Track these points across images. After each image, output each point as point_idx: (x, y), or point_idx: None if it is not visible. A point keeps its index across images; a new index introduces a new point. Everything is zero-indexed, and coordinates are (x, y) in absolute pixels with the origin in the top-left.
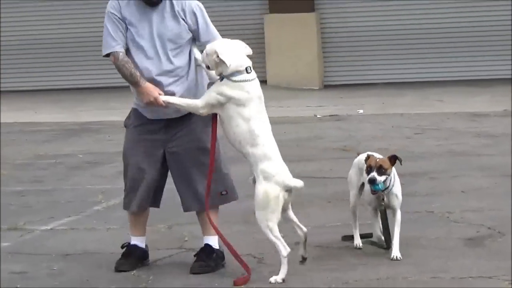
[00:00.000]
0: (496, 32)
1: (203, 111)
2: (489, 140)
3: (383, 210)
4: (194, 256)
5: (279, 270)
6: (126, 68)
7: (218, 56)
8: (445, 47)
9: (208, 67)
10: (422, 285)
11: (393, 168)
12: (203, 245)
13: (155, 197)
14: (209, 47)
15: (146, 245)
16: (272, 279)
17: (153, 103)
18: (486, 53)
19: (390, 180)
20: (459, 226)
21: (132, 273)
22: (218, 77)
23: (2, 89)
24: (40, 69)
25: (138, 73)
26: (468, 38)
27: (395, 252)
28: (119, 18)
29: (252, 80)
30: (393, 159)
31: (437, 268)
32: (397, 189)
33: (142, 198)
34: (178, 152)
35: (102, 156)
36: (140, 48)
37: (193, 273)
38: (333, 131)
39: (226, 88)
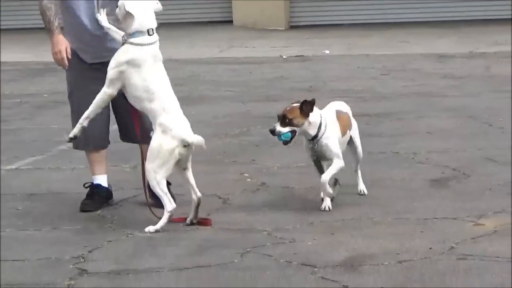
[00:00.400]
0: None
1: (111, 91)
2: (455, 82)
3: (315, 161)
4: None
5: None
6: (46, 15)
7: (125, 8)
8: None
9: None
10: (387, 226)
11: (324, 117)
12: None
13: (108, 135)
14: (120, 1)
15: (109, 185)
16: (147, 229)
17: (57, 55)
18: None
19: (320, 130)
20: (424, 167)
21: (97, 213)
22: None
23: None
24: (4, 9)
25: (56, 22)
26: None
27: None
28: None
29: (150, 43)
30: (306, 108)
31: (402, 209)
32: (328, 140)
33: (99, 135)
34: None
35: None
36: None
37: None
38: (299, 71)
39: (121, 55)
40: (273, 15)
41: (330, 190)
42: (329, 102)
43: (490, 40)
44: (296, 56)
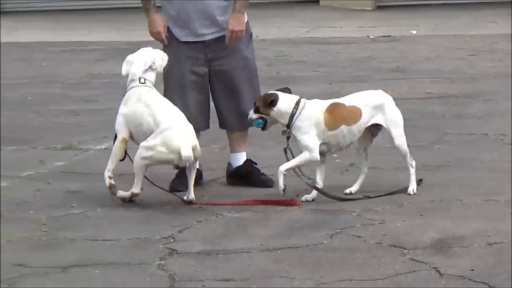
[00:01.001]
0: None
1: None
2: None
3: (285, 149)
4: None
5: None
6: None
7: None
8: None
9: None
10: (476, 207)
11: (301, 107)
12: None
13: (207, 117)
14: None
15: (200, 165)
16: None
17: (155, 35)
18: None
19: (291, 119)
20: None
21: (185, 196)
22: None
23: (55, 8)
24: None
25: (152, 2)
26: None
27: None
28: None
29: (137, 87)
30: (264, 100)
31: (492, 190)
32: (298, 131)
33: (199, 118)
34: (226, 70)
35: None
36: None
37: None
38: (386, 52)
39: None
40: None
41: (281, 183)
42: (410, 84)
43: None
44: (383, 36)
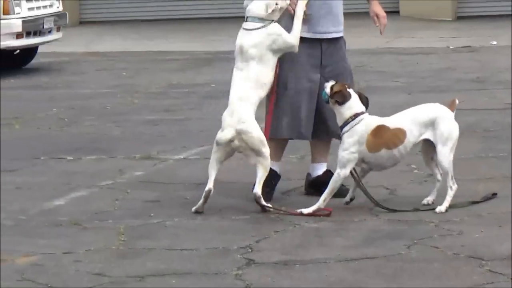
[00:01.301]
0: None
1: None
2: None
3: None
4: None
5: None
6: None
7: None
8: None
9: None
10: None
11: (358, 121)
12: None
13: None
14: None
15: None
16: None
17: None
18: None
19: (344, 126)
20: None
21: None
22: None
23: (135, 18)
24: None
25: None
26: None
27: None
28: None
29: (242, 29)
30: (336, 96)
31: None
32: (342, 141)
33: (305, 126)
34: (336, 75)
35: None
36: None
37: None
38: (466, 62)
39: None
40: (441, 6)
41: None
42: (490, 95)
43: None
44: (463, 46)
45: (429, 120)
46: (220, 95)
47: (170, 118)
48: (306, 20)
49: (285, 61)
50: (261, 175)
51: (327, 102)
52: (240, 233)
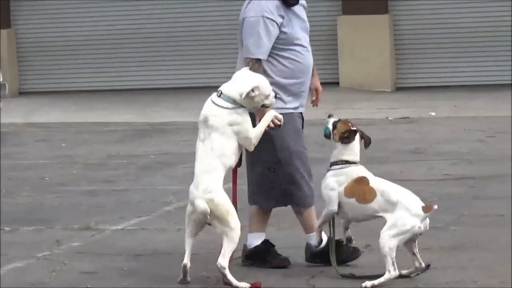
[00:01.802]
0: None
1: None
2: None
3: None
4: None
5: None
6: None
7: None
8: None
9: None
10: None
11: (350, 166)
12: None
13: None
14: None
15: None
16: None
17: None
18: None
19: (333, 165)
20: None
21: (202, 274)
22: None
23: (75, 89)
24: (111, 69)
25: None
26: None
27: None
28: (276, 23)
29: (211, 101)
30: (347, 136)
31: (508, 273)
32: (327, 179)
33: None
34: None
35: (174, 157)
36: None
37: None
38: (404, 133)
39: None
40: (380, 77)
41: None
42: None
43: None
44: (402, 117)
45: (393, 202)
46: (158, 166)
47: (108, 188)
48: (299, 96)
49: (288, 130)
50: (226, 246)
51: (328, 137)
52: None
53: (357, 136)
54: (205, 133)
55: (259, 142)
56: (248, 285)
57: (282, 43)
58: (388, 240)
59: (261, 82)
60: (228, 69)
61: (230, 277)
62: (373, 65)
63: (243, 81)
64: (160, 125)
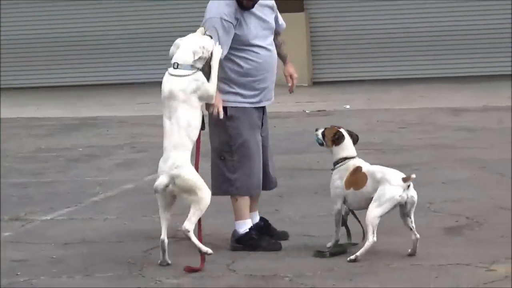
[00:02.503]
0: (476, 31)
1: None
2: (469, 134)
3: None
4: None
5: None
6: None
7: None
8: (428, 46)
9: None
10: (403, 271)
11: (349, 160)
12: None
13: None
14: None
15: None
16: None
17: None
18: (467, 51)
19: (336, 164)
20: (439, 216)
21: (128, 261)
22: None
23: (3, 86)
24: (40, 67)
25: None
26: (450, 37)
27: None
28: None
29: (169, 75)
30: (337, 139)
31: (418, 255)
32: (332, 178)
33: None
34: (265, 136)
35: (101, 150)
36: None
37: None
38: (321, 125)
39: None
40: (298, 72)
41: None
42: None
43: (503, 94)
44: (319, 111)
45: (379, 179)
46: (86, 158)
47: (38, 180)
48: (261, 91)
49: (242, 122)
50: (192, 213)
51: (322, 144)
52: None
53: (346, 134)
54: (170, 109)
55: (214, 131)
56: (210, 250)
57: (238, 43)
58: (371, 210)
59: (204, 40)
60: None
61: (194, 239)
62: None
63: (190, 44)
64: (87, 119)
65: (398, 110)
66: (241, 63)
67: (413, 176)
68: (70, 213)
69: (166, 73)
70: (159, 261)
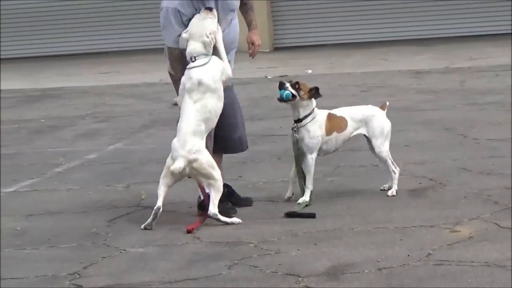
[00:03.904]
0: None
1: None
2: (431, 96)
3: (296, 155)
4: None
5: None
6: None
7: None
8: (389, 9)
9: None
10: (367, 235)
11: (316, 112)
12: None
13: None
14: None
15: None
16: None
17: None
18: (428, 13)
19: (306, 118)
20: (403, 178)
21: (92, 231)
22: None
23: None
24: (2, 39)
25: None
26: (410, 0)
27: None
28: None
29: (191, 69)
30: (315, 93)
31: (382, 218)
32: (309, 132)
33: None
34: (226, 103)
35: (63, 120)
36: None
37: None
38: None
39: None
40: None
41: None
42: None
43: (464, 56)
44: (280, 76)
45: (363, 118)
46: (48, 129)
47: (0, 153)
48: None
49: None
50: (214, 196)
51: (292, 98)
52: (68, 260)
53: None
54: (198, 94)
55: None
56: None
57: None
58: (382, 147)
59: (209, 25)
60: (112, 35)
61: (223, 218)
62: None
63: (198, 34)
64: (49, 90)
65: (360, 73)
66: None
67: (387, 103)
68: (33, 184)
69: (187, 70)
70: (144, 225)
